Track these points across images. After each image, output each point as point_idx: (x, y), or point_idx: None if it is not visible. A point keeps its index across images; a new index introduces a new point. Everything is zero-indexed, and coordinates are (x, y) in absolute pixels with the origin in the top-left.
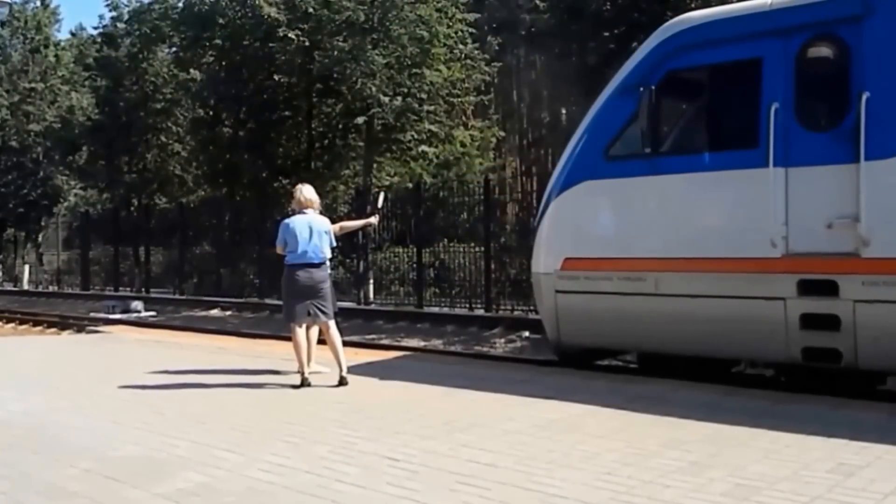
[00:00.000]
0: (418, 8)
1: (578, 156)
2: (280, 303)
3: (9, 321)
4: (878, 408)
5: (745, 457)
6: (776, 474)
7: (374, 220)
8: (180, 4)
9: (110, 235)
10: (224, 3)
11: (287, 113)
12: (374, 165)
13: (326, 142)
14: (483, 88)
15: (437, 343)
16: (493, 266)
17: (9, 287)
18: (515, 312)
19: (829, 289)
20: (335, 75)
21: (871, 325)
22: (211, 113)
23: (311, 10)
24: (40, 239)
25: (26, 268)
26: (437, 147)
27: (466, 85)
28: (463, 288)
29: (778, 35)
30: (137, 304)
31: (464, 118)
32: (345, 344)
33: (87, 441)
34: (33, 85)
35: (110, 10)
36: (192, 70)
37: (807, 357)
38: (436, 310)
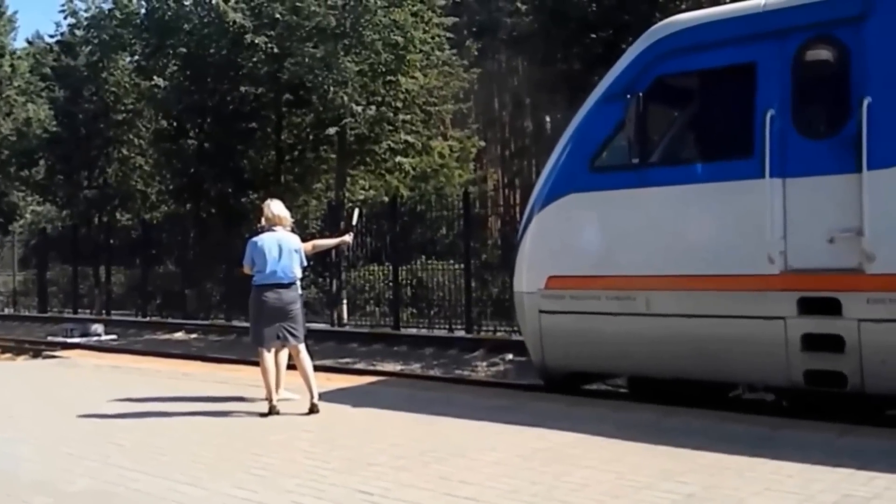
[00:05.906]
0: (393, 12)
1: (562, 167)
2: (247, 325)
3: None
4: (887, 434)
5: (745, 488)
6: None
7: (348, 237)
8: (142, 11)
9: (69, 254)
10: (189, 9)
11: (255, 124)
12: (348, 179)
13: (297, 154)
14: (462, 96)
15: (414, 367)
16: (473, 284)
17: None
18: (498, 334)
19: (831, 307)
20: (305, 84)
21: (877, 345)
22: (175, 124)
23: (278, 15)
24: None
25: None
26: (413, 158)
27: (444, 92)
28: (442, 308)
29: (773, 38)
30: (98, 328)
31: (442, 128)
32: (316, 369)
33: (42, 474)
34: None
35: (66, 17)
36: (155, 78)
37: (809, 381)
38: (413, 331)
